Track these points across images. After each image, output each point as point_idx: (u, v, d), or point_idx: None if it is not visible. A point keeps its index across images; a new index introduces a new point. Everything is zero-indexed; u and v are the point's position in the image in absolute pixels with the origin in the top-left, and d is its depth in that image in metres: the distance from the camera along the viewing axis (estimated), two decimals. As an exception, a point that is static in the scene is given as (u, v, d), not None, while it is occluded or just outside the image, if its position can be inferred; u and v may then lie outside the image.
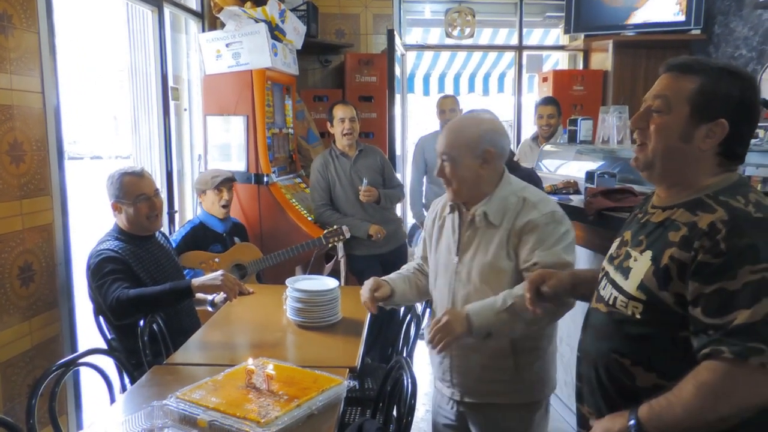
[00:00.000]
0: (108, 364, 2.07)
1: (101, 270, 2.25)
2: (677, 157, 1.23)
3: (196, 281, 2.21)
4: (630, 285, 1.25)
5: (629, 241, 1.34)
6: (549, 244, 1.70)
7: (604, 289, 1.36)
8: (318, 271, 3.56)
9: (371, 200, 3.48)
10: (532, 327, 1.70)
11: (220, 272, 2.22)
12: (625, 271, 1.28)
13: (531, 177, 2.57)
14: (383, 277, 1.98)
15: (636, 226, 1.34)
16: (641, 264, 1.24)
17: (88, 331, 2.62)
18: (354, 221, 3.49)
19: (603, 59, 5.44)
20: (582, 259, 2.76)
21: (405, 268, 2.09)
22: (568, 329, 2.91)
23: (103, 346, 2.36)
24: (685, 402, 1.11)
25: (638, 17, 5.22)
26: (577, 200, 2.88)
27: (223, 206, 3.13)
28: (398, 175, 4.04)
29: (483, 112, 2.01)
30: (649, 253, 1.23)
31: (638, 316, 1.23)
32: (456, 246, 1.83)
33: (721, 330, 1.08)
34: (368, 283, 1.93)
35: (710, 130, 1.19)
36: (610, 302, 1.30)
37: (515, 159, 2.64)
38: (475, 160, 1.75)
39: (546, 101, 4.36)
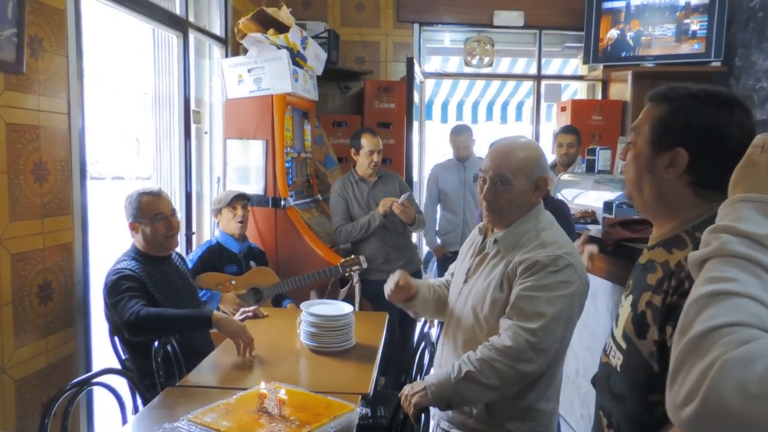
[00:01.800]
0: (121, 384, 2.07)
1: (118, 287, 2.27)
2: (645, 187, 1.17)
3: (216, 316, 2.22)
4: (618, 332, 1.18)
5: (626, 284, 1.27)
6: (534, 287, 1.58)
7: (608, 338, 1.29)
8: (333, 295, 3.56)
9: (405, 219, 3.45)
10: (493, 395, 1.61)
11: (243, 324, 2.25)
12: (617, 319, 1.22)
13: (560, 209, 2.53)
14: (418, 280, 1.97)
15: (633, 268, 1.28)
16: (624, 310, 1.17)
17: (103, 351, 2.64)
18: (366, 218, 3.49)
19: (622, 90, 5.45)
20: (600, 290, 2.73)
21: (433, 280, 2.07)
22: (585, 361, 2.86)
23: (117, 366, 2.37)
24: None
25: (658, 49, 5.22)
26: (594, 230, 2.86)
27: (239, 222, 3.14)
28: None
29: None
30: (630, 298, 1.16)
31: (619, 369, 1.15)
32: (467, 268, 1.82)
33: None
34: (394, 275, 1.89)
35: (671, 158, 1.12)
36: (607, 352, 1.23)
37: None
38: (530, 186, 1.69)
39: (566, 129, 4.33)
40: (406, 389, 1.72)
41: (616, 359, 1.16)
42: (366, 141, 3.57)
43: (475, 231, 1.92)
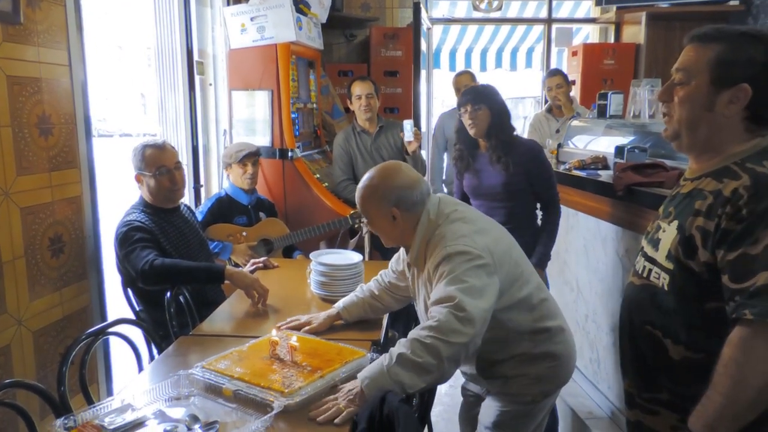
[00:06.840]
0: (136, 334, 2.11)
1: (130, 238, 2.29)
2: (702, 125, 1.24)
3: (230, 270, 2.25)
4: (660, 255, 1.27)
5: (660, 214, 1.36)
6: (443, 275, 1.63)
7: (638, 263, 1.38)
8: (342, 246, 3.57)
9: (417, 143, 3.36)
10: (429, 377, 1.53)
11: (256, 277, 2.28)
12: (656, 243, 1.31)
13: (534, 151, 2.71)
14: (340, 304, 2.05)
15: (667, 200, 1.37)
16: (669, 234, 1.26)
17: (117, 303, 2.67)
18: None
19: (635, 32, 5.29)
20: (610, 235, 2.71)
21: (361, 290, 2.10)
22: (595, 306, 2.88)
23: (132, 317, 2.41)
24: (719, 386, 1.10)
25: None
26: (605, 176, 2.82)
27: (248, 178, 3.15)
28: (422, 152, 3.99)
29: (395, 164, 1.86)
30: (675, 223, 1.25)
31: (666, 288, 1.24)
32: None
33: (745, 294, 1.09)
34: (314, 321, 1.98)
35: (733, 95, 1.19)
36: (644, 274, 1.33)
37: (515, 133, 2.75)
38: (387, 214, 1.76)
39: (551, 73, 4.35)
40: (342, 389, 1.55)
41: (662, 279, 1.26)
42: (354, 87, 3.55)
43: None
